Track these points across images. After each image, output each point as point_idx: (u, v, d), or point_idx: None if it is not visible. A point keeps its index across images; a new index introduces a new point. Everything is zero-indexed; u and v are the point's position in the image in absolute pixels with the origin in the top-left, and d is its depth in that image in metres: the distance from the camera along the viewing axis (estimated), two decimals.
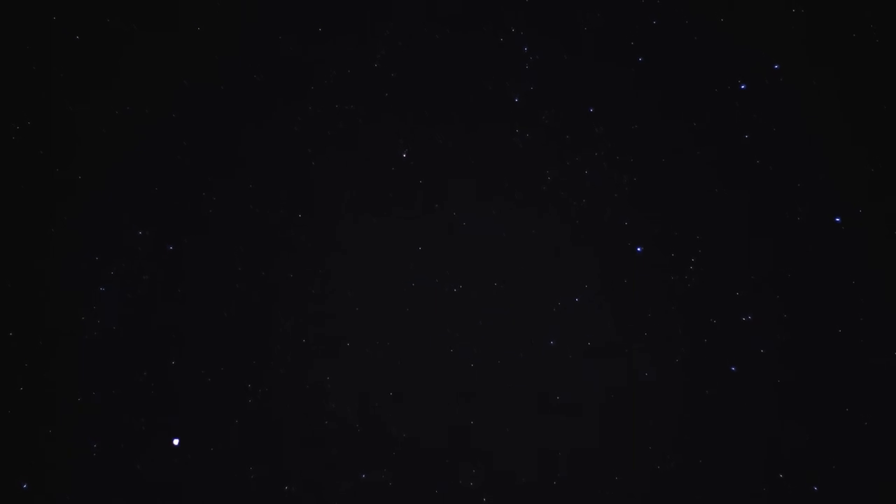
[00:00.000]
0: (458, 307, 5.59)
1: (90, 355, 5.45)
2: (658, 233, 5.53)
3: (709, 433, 5.42)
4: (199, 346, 5.52)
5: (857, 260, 5.38)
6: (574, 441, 5.48)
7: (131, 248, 5.52)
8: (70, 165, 5.45)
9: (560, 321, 5.53)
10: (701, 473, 5.41)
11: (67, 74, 5.45)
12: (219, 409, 5.50)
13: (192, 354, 5.51)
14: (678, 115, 5.54)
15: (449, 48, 5.62)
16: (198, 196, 5.57)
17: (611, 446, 5.47)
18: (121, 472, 5.41)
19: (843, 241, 5.39)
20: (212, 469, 5.46)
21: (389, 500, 5.48)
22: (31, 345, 5.41)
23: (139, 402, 5.47)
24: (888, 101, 5.39)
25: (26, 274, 5.43)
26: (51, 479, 5.37)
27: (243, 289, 5.55)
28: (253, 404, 5.52)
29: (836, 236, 5.40)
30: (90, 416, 5.42)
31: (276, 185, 5.61)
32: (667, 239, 5.52)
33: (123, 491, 5.39)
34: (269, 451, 5.49)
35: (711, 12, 5.51)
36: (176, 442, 5.45)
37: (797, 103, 5.46)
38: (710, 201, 5.50)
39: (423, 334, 5.58)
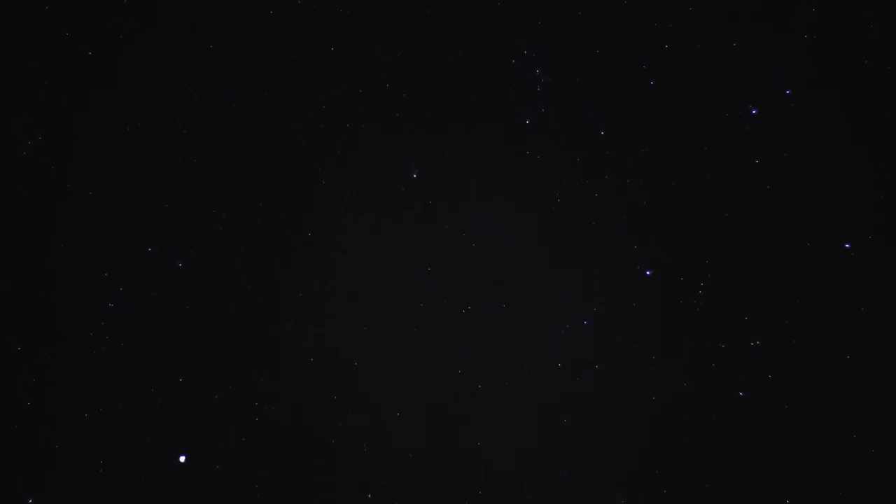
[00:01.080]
0: (467, 328, 5.59)
1: (97, 372, 5.44)
2: (667, 256, 5.53)
3: (716, 459, 5.44)
4: (206, 364, 5.51)
5: (866, 287, 5.39)
6: (580, 463, 5.50)
7: (139, 265, 5.51)
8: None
9: (568, 343, 5.54)
10: (707, 499, 5.43)
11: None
12: (226, 426, 5.50)
13: (200, 372, 5.50)
14: (689, 138, 5.53)
15: (460, 69, 5.60)
16: (203, 210, 5.55)
17: (616, 470, 5.49)
18: (127, 489, 5.41)
19: (852, 268, 5.40)
20: (218, 487, 5.47)
21: None
22: (38, 360, 5.40)
23: (146, 418, 5.47)
24: None
25: (34, 289, 5.42)
26: (56, 495, 5.37)
27: (252, 308, 5.54)
28: (260, 422, 5.51)
29: (846, 263, 5.41)
30: (96, 433, 5.41)
31: (284, 204, 5.59)
32: (676, 263, 5.52)
33: None
34: (276, 469, 5.49)
35: (723, 36, 5.49)
36: (182, 459, 5.46)
37: (808, 129, 5.46)
38: (720, 225, 5.50)
39: (431, 355, 5.58)
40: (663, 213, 5.54)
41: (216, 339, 5.53)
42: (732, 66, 5.50)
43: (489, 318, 5.59)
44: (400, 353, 5.58)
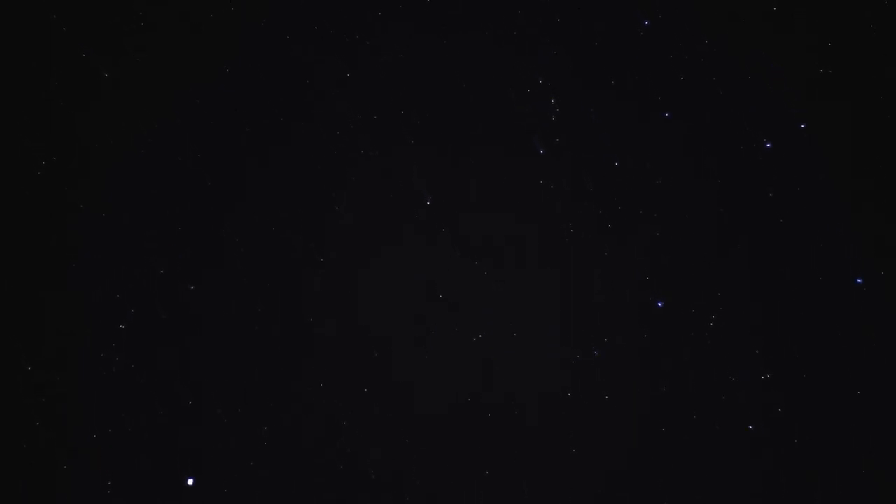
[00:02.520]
0: (477, 357, 5.59)
1: (106, 393, 5.44)
2: (679, 288, 5.53)
3: (725, 492, 5.43)
4: (215, 387, 5.51)
5: (877, 322, 5.38)
6: (589, 495, 5.49)
7: (149, 286, 5.51)
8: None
9: (578, 374, 5.53)
10: None
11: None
12: (234, 450, 5.50)
13: (209, 395, 5.50)
14: (702, 171, 5.53)
15: (476, 98, 5.61)
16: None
17: (624, 502, 5.49)
18: None
19: (864, 303, 5.39)
20: None
21: None
22: (48, 380, 5.40)
23: (154, 440, 5.46)
24: None
25: (46, 307, 5.42)
26: None
27: (262, 331, 5.54)
28: (268, 446, 5.51)
29: (858, 298, 5.40)
30: (105, 454, 5.41)
31: (295, 230, 5.59)
32: (687, 295, 5.52)
33: None
34: (283, 494, 5.49)
35: (739, 70, 5.50)
36: (190, 482, 5.45)
37: (822, 163, 5.45)
38: (732, 258, 5.49)
39: (440, 383, 5.57)
40: (675, 244, 5.53)
41: (225, 362, 5.53)
42: (747, 100, 5.50)
43: (499, 346, 5.58)
44: (410, 381, 5.57)
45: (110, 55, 5.49)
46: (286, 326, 5.58)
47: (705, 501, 5.43)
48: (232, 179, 5.59)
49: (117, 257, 5.50)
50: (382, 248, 5.64)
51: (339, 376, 5.57)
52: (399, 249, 5.64)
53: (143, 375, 5.47)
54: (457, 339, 5.59)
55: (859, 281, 5.40)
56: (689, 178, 5.55)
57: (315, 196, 5.64)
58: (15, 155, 5.42)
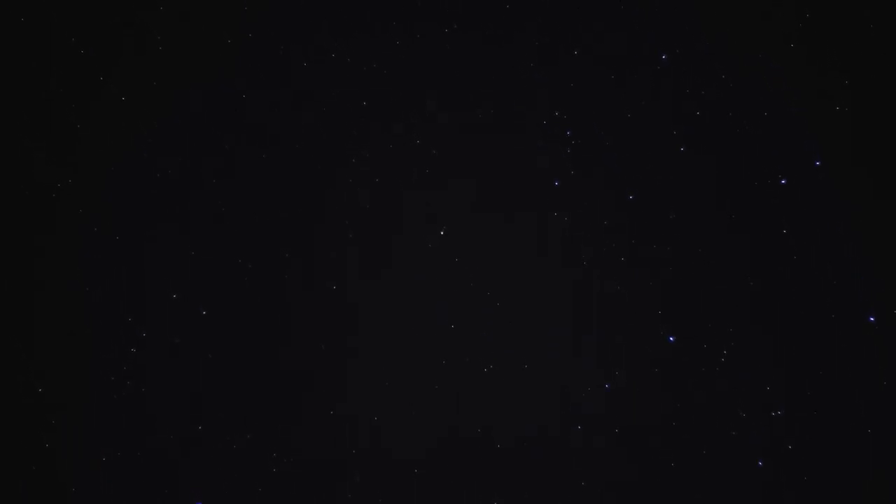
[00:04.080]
0: (488, 387, 5.59)
1: (117, 417, 5.44)
2: (691, 323, 5.52)
3: None
4: (225, 414, 5.51)
5: (890, 360, 5.38)
6: None
7: (161, 311, 5.50)
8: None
9: (589, 407, 5.54)
10: None
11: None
12: (243, 476, 5.51)
13: (219, 421, 5.50)
14: (717, 206, 5.50)
15: (490, 130, 5.56)
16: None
17: None
18: None
19: (876, 341, 5.39)
20: None
21: None
22: (58, 404, 5.40)
23: (164, 465, 5.47)
24: None
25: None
26: None
27: (272, 358, 5.53)
28: (277, 473, 5.52)
29: (870, 336, 5.40)
30: (115, 479, 5.42)
31: (310, 263, 5.57)
32: (699, 330, 5.51)
33: None
34: None
35: (756, 106, 5.45)
36: None
37: (837, 200, 5.43)
38: (745, 294, 5.48)
39: (450, 412, 5.58)
40: (688, 279, 5.52)
41: (236, 388, 5.53)
42: (763, 136, 5.46)
43: (510, 378, 5.59)
44: (420, 410, 5.58)
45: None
46: (295, 357, 5.57)
47: None
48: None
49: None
50: (398, 283, 5.63)
51: (349, 404, 5.58)
52: (417, 285, 5.62)
53: (153, 400, 5.46)
54: (467, 370, 5.59)
55: (871, 319, 5.40)
56: (702, 212, 5.52)
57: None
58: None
